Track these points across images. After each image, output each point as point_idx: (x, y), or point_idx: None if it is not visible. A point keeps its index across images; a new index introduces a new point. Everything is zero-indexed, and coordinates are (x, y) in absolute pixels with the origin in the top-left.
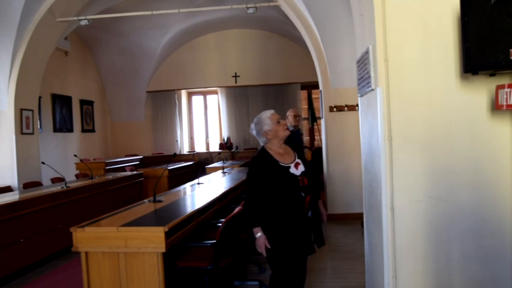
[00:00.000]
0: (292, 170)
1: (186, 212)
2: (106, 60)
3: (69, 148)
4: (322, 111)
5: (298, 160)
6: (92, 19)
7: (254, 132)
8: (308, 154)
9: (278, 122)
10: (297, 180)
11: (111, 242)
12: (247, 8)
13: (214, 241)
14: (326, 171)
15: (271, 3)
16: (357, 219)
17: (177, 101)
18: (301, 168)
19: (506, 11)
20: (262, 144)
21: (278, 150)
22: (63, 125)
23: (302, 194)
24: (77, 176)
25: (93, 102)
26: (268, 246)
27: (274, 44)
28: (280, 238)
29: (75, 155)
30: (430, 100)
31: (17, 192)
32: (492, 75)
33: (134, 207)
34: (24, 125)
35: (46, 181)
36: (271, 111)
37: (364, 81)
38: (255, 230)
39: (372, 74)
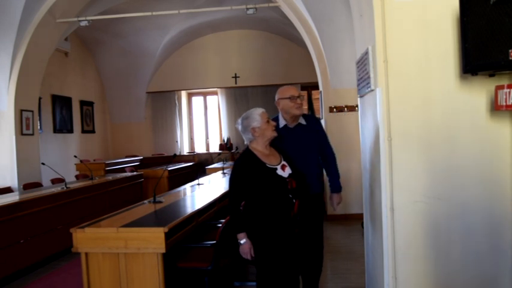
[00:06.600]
0: (280, 171)
1: (186, 212)
2: (106, 61)
3: (69, 149)
4: (322, 112)
5: (284, 162)
6: (92, 20)
7: (240, 128)
8: None
9: (267, 122)
10: (285, 183)
11: (111, 243)
12: (247, 8)
13: (214, 242)
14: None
15: (271, 4)
16: (356, 219)
17: (177, 102)
18: (288, 170)
19: (505, 11)
20: (246, 142)
21: (264, 151)
22: (63, 126)
23: (290, 196)
24: (77, 176)
25: (93, 103)
26: (253, 255)
27: (274, 44)
28: (267, 244)
29: (75, 156)
30: (429, 100)
31: (17, 193)
32: (491, 75)
33: (134, 208)
34: (24, 126)
35: (46, 182)
36: (262, 110)
37: (363, 81)
38: (240, 235)
39: (372, 75)
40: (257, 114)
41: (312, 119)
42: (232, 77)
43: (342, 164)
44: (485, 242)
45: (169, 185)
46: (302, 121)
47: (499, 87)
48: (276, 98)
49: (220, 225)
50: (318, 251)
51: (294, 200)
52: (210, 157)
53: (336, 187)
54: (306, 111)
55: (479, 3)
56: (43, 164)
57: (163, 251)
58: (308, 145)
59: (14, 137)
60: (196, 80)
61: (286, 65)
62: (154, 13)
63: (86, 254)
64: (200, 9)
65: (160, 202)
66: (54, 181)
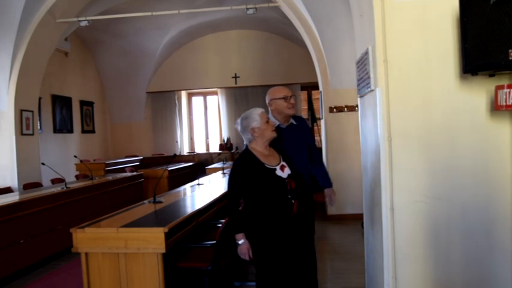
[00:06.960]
0: (279, 172)
1: (186, 212)
2: (106, 61)
3: (69, 149)
4: (322, 112)
5: (283, 162)
6: (92, 20)
7: (239, 128)
8: None
9: (267, 122)
10: (284, 183)
11: (111, 243)
12: (247, 8)
13: (214, 242)
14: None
15: (271, 4)
16: (356, 219)
17: (177, 102)
18: (287, 171)
19: (505, 11)
20: (246, 142)
21: (263, 151)
22: (63, 126)
23: (289, 197)
24: (77, 176)
25: (93, 103)
26: (251, 256)
27: (274, 44)
28: (266, 244)
29: (75, 156)
30: (429, 100)
31: (17, 193)
32: (491, 75)
33: (134, 208)
34: (24, 126)
35: (46, 182)
36: (262, 110)
37: (363, 81)
38: (238, 236)
39: (372, 75)
40: (256, 115)
41: (300, 118)
42: (232, 77)
43: (342, 164)
44: (485, 242)
45: (169, 185)
46: (293, 121)
47: (499, 87)
48: (268, 99)
49: (220, 225)
50: (310, 249)
51: (293, 201)
52: (210, 157)
53: (330, 183)
54: (306, 112)
55: (479, 3)
56: (43, 164)
57: (163, 251)
58: (301, 145)
59: (14, 137)
60: (196, 80)
61: (286, 65)
62: (154, 13)
63: (86, 254)
64: (200, 9)
65: (160, 202)
66: (54, 181)
